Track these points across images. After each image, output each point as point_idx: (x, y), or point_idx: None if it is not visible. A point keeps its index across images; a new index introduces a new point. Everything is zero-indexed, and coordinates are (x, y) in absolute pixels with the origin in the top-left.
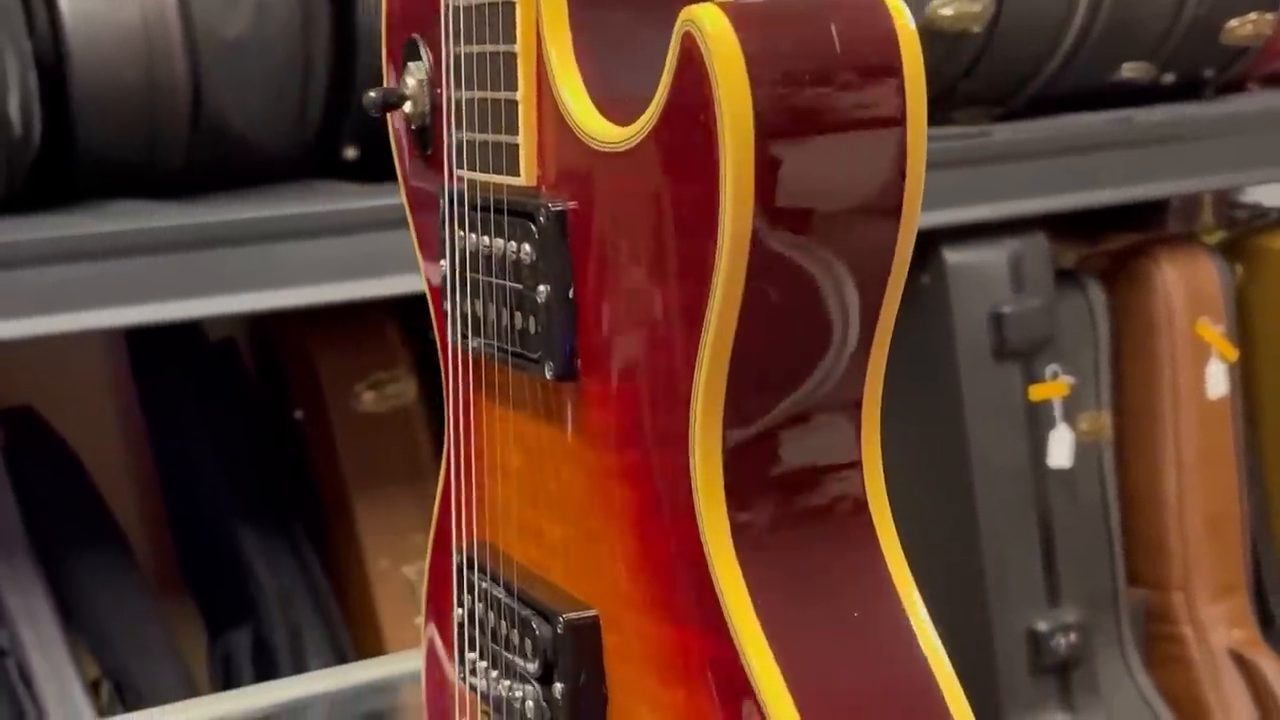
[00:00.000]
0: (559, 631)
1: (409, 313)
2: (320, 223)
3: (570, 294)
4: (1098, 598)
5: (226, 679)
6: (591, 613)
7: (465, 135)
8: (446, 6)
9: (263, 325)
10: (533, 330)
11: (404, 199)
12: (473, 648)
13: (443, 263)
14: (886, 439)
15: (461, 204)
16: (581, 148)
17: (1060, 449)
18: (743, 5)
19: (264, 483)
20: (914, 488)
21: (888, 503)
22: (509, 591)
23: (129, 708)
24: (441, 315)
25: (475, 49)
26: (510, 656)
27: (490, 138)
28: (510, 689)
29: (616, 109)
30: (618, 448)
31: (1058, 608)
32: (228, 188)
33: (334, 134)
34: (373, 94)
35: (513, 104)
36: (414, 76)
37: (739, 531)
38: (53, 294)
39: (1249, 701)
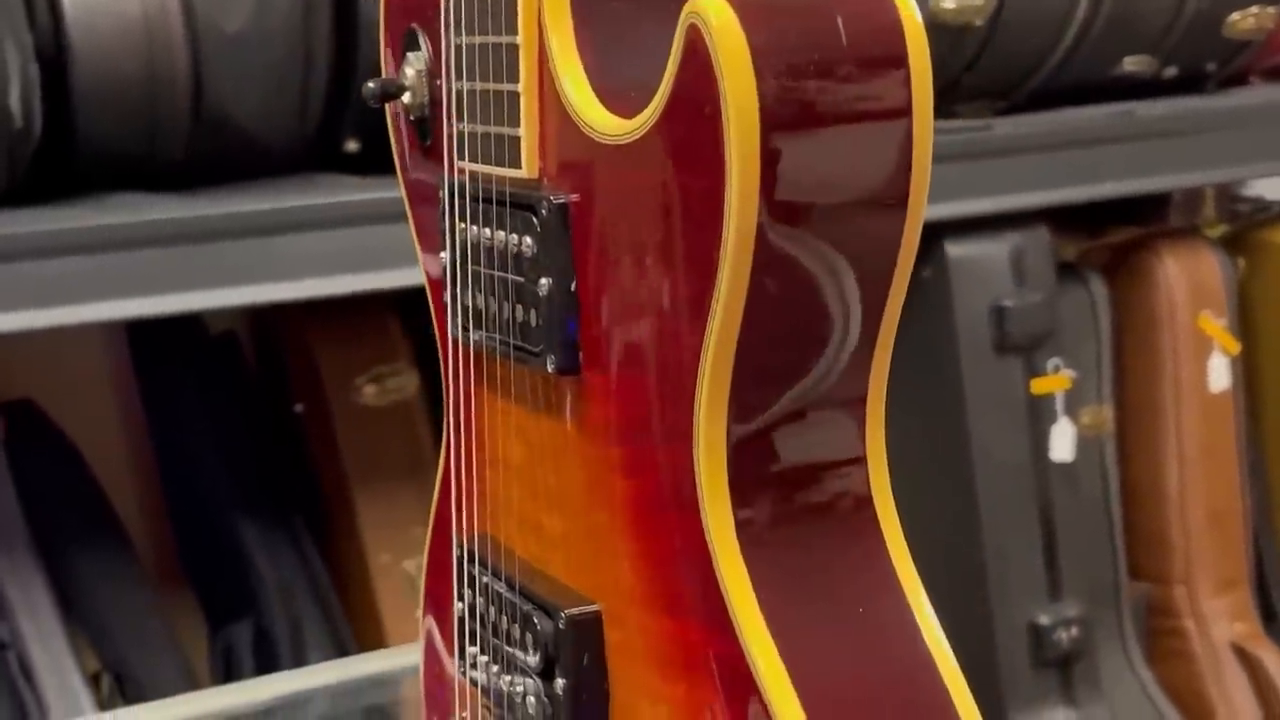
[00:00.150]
0: (561, 626)
1: (410, 306)
2: (321, 215)
3: (572, 287)
4: (1099, 592)
5: (227, 672)
6: (594, 607)
7: (466, 127)
8: None
9: (263, 318)
10: (534, 323)
11: (402, 190)
12: (473, 642)
13: (443, 255)
14: (888, 433)
15: (462, 196)
16: (584, 140)
17: (1062, 443)
18: None
19: (264, 476)
20: (915, 481)
21: (892, 498)
22: (510, 586)
23: (129, 700)
24: (440, 307)
25: (477, 40)
26: (511, 651)
27: (491, 129)
28: (511, 684)
29: (619, 101)
30: (620, 441)
31: (1059, 601)
32: (228, 180)
33: (335, 126)
34: (371, 85)
35: (514, 96)
36: (413, 67)
37: (743, 526)
38: (53, 286)
39: (1251, 695)
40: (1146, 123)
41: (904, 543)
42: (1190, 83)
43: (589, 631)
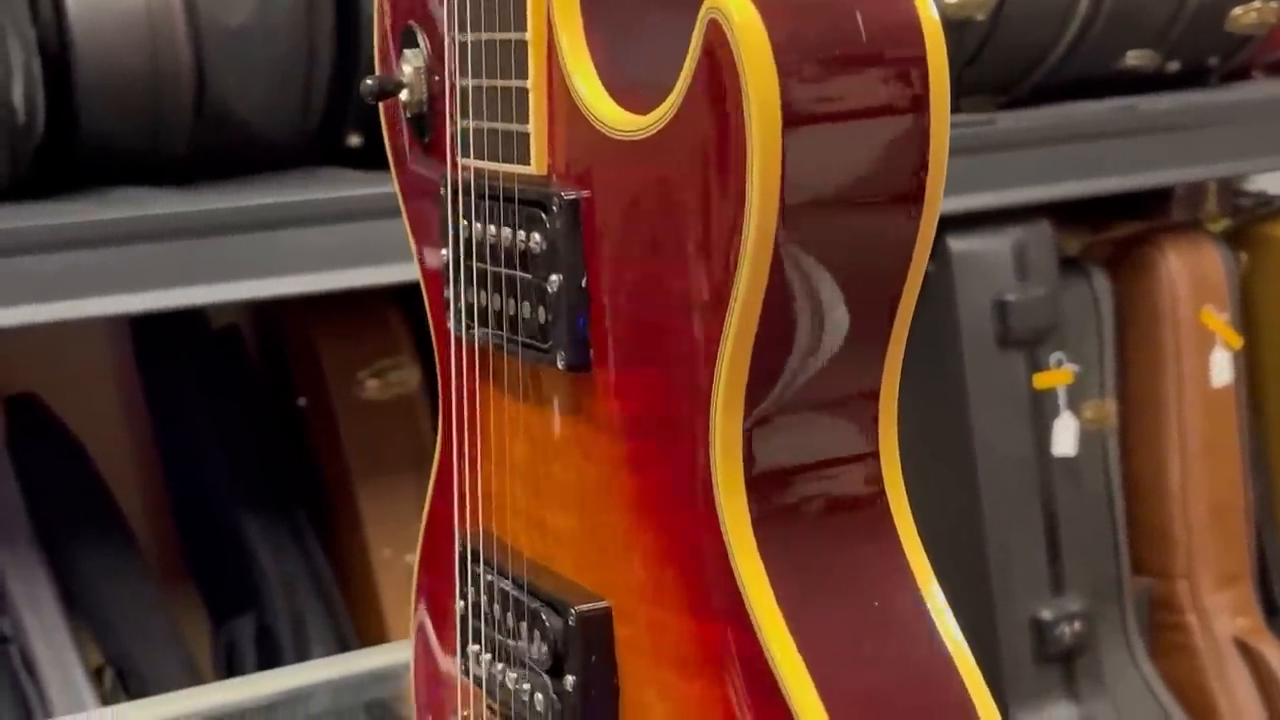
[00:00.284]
0: (570, 623)
1: (412, 300)
2: (324, 210)
3: (583, 283)
4: (1102, 586)
5: (229, 667)
6: (604, 604)
7: (471, 123)
8: None
9: (266, 312)
10: (543, 320)
11: (396, 186)
12: (476, 640)
13: (443, 251)
14: None
15: (465, 193)
16: (596, 136)
17: (1065, 437)
18: None
19: (267, 470)
20: (918, 476)
21: (905, 492)
22: (516, 583)
23: (132, 695)
24: (436, 302)
25: (483, 36)
26: (518, 649)
27: (498, 126)
28: (517, 681)
29: (630, 97)
30: (631, 437)
31: (1062, 596)
32: (231, 175)
33: (337, 121)
34: (369, 81)
35: (523, 92)
36: (410, 64)
37: (759, 522)
38: (56, 281)
39: (1253, 689)
40: (1149, 117)
41: (917, 537)
42: (1193, 77)
43: (599, 628)
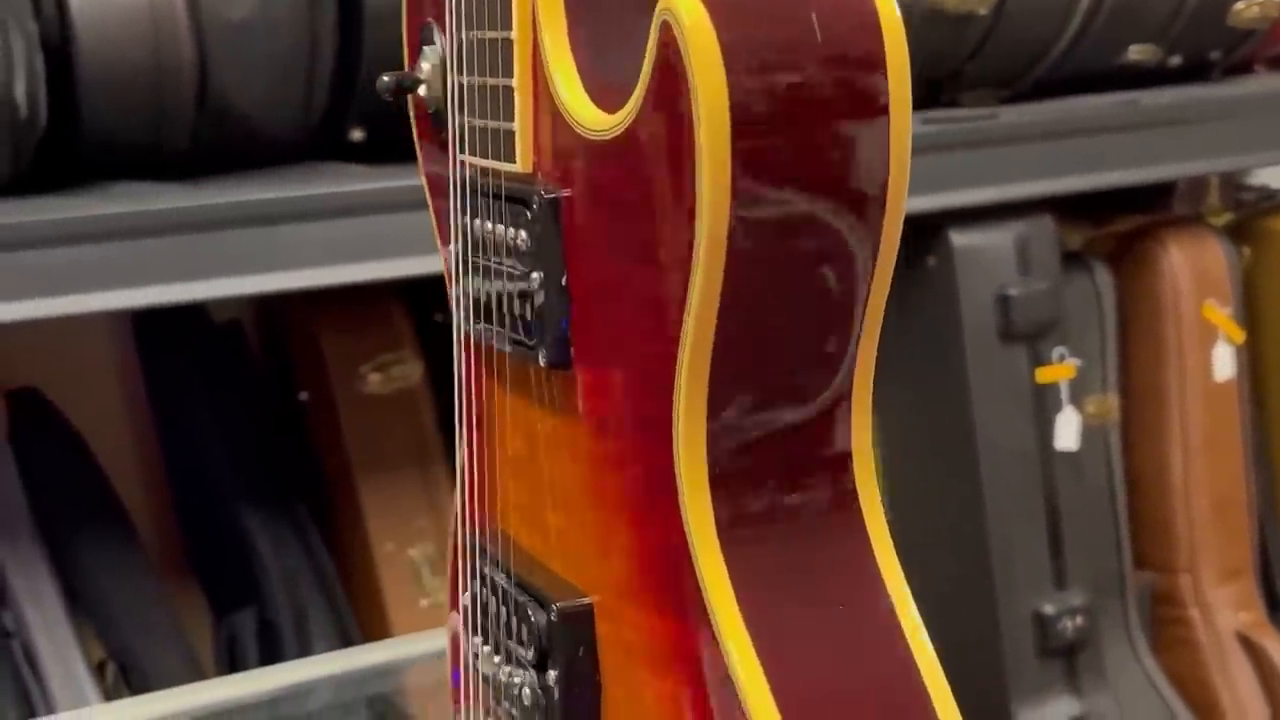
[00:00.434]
0: (552, 619)
1: (415, 295)
2: (326, 205)
3: (564, 281)
4: (1104, 581)
5: (231, 661)
6: (585, 601)
7: (468, 120)
8: None
9: (268, 307)
10: (528, 317)
11: (423, 181)
12: (478, 633)
13: (452, 246)
14: (893, 421)
15: (467, 189)
16: (572, 135)
17: (1067, 431)
18: None
19: (269, 465)
20: (920, 470)
21: (879, 495)
22: (509, 577)
23: (134, 690)
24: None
25: (476, 34)
26: (509, 643)
27: (490, 124)
28: (510, 675)
29: (608, 96)
30: (609, 437)
31: (1064, 590)
32: (233, 169)
33: (340, 116)
34: (386, 78)
35: (510, 90)
36: (429, 60)
37: (723, 522)
38: (58, 276)
39: (1256, 684)
40: (1151, 112)
41: (889, 540)
42: (1195, 71)
43: (580, 625)
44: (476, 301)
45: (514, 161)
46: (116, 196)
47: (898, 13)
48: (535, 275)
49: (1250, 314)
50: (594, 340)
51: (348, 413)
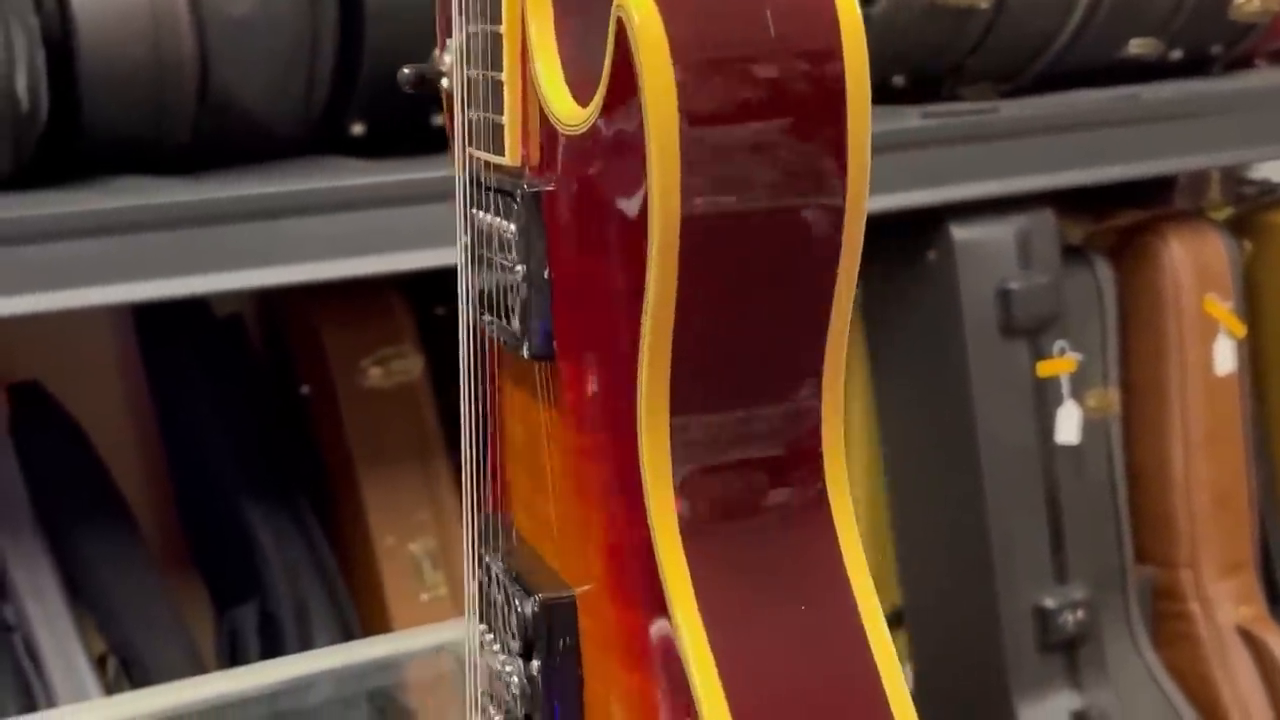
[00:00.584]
0: (535, 610)
1: (416, 289)
2: (327, 199)
3: (546, 275)
4: (1105, 575)
5: (233, 655)
6: (568, 593)
7: (471, 113)
8: None
9: (269, 301)
10: (517, 309)
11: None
12: (481, 620)
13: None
14: (894, 415)
15: (472, 182)
16: (550, 129)
17: (1068, 425)
18: None
19: (270, 458)
20: (921, 464)
21: (849, 493)
22: (504, 566)
23: (135, 683)
24: None
25: (477, 28)
26: (502, 632)
27: (486, 116)
28: (504, 664)
29: (586, 90)
30: (584, 429)
31: (1065, 585)
32: (234, 164)
33: (341, 110)
34: (406, 71)
35: (500, 84)
36: (451, 54)
37: (686, 518)
38: (59, 270)
39: (1256, 678)
40: (1152, 105)
41: (858, 540)
42: (1196, 65)
43: (562, 616)
44: (480, 293)
45: (503, 154)
46: (117, 191)
47: (857, 10)
48: (520, 268)
49: (1251, 308)
50: (573, 334)
51: (349, 407)
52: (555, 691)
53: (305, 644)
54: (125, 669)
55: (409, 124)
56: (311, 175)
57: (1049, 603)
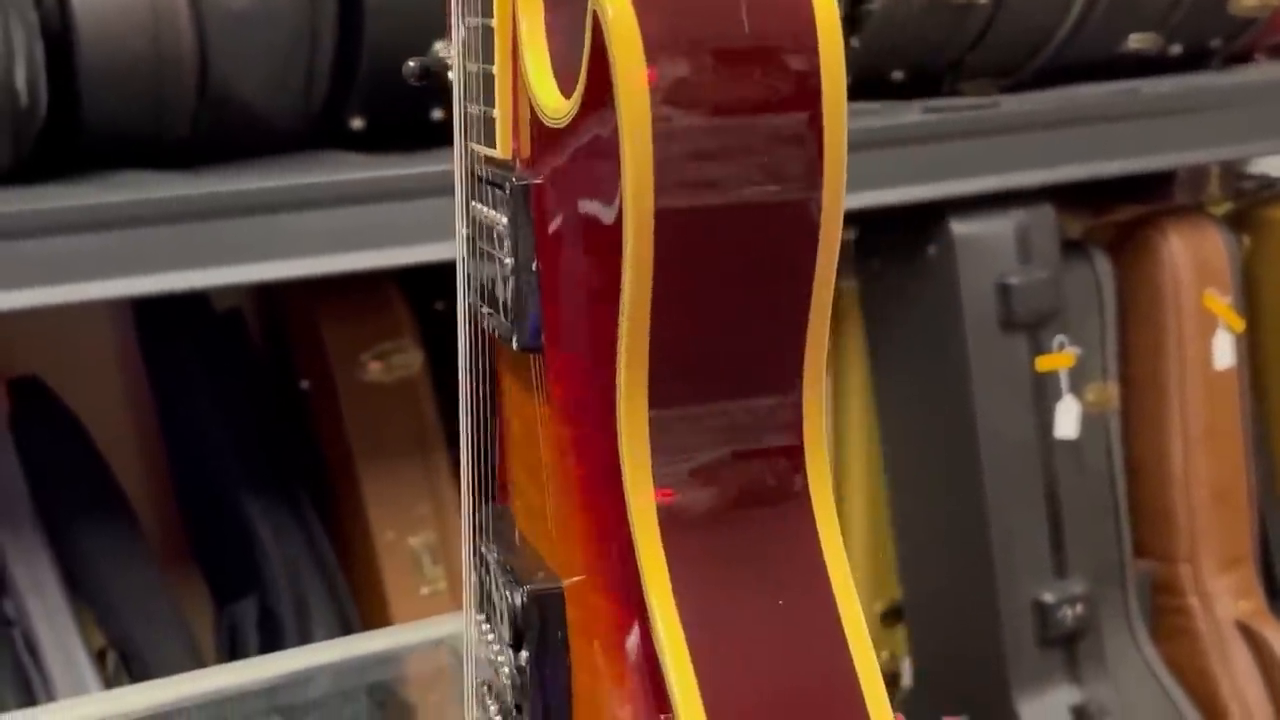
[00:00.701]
0: (524, 601)
1: (415, 283)
2: (326, 193)
3: (535, 267)
4: (1104, 569)
5: (232, 649)
6: (556, 584)
7: (469, 106)
8: None
9: (269, 295)
10: (508, 301)
11: None
12: (480, 610)
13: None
14: (894, 410)
15: (471, 174)
16: (537, 122)
17: (1067, 420)
18: None
19: (270, 453)
20: (921, 459)
21: (830, 489)
22: (497, 556)
23: (135, 678)
24: None
25: (473, 21)
26: (497, 622)
27: (481, 109)
28: (497, 654)
29: (571, 83)
30: (568, 422)
31: (1064, 579)
32: (234, 158)
33: (340, 104)
34: (411, 63)
35: (492, 77)
36: (451, 47)
37: (665, 512)
38: (59, 264)
39: (1256, 672)
40: (1151, 100)
41: (838, 535)
42: (1195, 60)
43: (550, 607)
44: (480, 285)
45: (495, 147)
46: (117, 185)
47: (834, 5)
48: (509, 260)
49: (1250, 303)
50: (560, 327)
51: (348, 401)
52: (544, 681)
53: (304, 638)
54: (124, 663)
55: (408, 118)
56: (311, 170)
57: (1048, 597)
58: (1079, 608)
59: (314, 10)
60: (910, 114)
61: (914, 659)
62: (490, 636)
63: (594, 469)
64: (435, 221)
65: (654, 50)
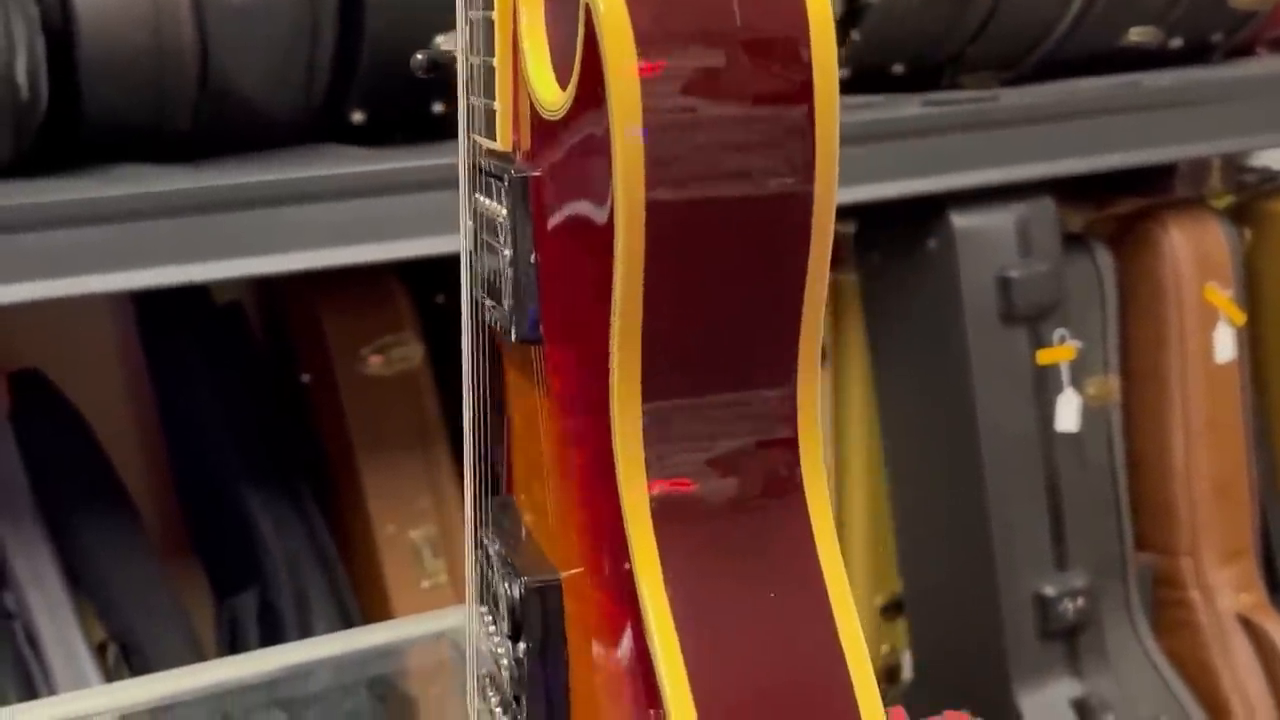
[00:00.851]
0: (522, 593)
1: (416, 277)
2: (327, 186)
3: (533, 259)
4: (1105, 562)
5: (233, 643)
6: (554, 577)
7: (472, 99)
8: None
9: (269, 288)
10: (508, 293)
11: None
12: (482, 602)
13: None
14: (894, 403)
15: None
16: (536, 115)
17: (1068, 413)
18: None
19: (270, 446)
20: (921, 452)
21: (825, 482)
22: (498, 547)
23: (135, 671)
24: None
25: (475, 14)
26: (497, 613)
27: (483, 102)
28: (498, 645)
29: (568, 76)
30: (565, 413)
31: (1065, 572)
32: (234, 151)
33: (341, 98)
34: (419, 56)
35: (493, 69)
36: (452, 39)
37: (658, 505)
38: (60, 257)
39: (1256, 665)
40: (1152, 93)
41: (833, 529)
42: (1196, 53)
43: (548, 600)
44: (483, 278)
45: (495, 139)
46: (117, 178)
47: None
48: (508, 252)
49: (1251, 296)
50: (558, 319)
51: (349, 394)
52: (542, 673)
53: (305, 632)
54: (125, 656)
55: (409, 112)
56: (311, 163)
57: (1049, 590)
58: (1080, 601)
59: (315, 3)
60: (910, 107)
61: (914, 652)
62: (492, 628)
63: (591, 461)
64: (436, 215)
65: (645, 43)
